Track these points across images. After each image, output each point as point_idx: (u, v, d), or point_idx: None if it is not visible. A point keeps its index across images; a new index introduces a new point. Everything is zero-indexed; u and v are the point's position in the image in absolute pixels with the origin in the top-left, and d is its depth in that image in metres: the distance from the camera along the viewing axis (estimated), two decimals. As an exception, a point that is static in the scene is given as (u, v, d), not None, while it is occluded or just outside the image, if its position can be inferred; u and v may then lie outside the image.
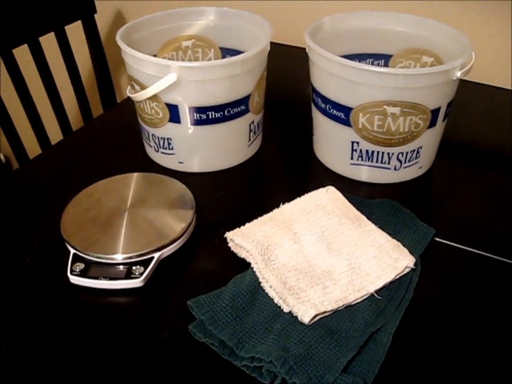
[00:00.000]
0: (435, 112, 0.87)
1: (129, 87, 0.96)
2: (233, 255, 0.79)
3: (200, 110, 0.89)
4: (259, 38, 0.96)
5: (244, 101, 0.92)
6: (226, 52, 1.08)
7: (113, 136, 1.10)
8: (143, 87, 0.89)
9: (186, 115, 0.90)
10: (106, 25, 1.72)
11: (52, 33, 1.35)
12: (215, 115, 0.90)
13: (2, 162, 1.66)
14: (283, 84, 1.27)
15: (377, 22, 1.03)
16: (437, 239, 0.83)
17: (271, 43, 0.95)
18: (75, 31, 1.41)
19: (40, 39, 1.32)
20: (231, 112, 0.91)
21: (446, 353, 0.67)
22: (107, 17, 1.71)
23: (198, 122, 0.91)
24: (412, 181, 0.95)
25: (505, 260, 0.79)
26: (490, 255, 0.80)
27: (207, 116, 0.90)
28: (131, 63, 0.90)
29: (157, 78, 0.86)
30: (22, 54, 1.30)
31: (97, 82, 1.50)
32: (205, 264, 0.80)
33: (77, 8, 1.40)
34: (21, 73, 1.28)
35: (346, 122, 0.88)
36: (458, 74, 0.85)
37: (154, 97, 0.89)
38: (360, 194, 0.90)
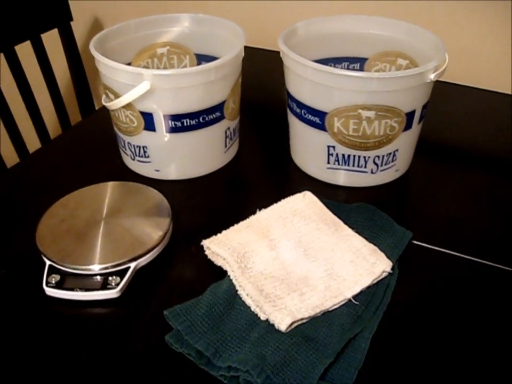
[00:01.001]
0: (410, 115, 0.87)
1: (104, 95, 0.95)
2: (210, 262, 0.79)
3: (175, 117, 0.89)
4: (233, 43, 0.96)
5: (219, 107, 0.91)
6: (202, 58, 1.07)
7: (90, 144, 1.09)
8: (117, 96, 0.88)
9: (161, 123, 0.89)
10: (83, 33, 1.71)
11: (28, 41, 1.34)
12: (190, 122, 0.90)
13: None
14: (259, 89, 1.26)
15: (351, 25, 1.03)
16: (415, 241, 0.83)
17: (246, 47, 0.95)
18: (51, 39, 1.40)
19: (16, 47, 1.31)
20: (207, 119, 0.91)
21: (424, 357, 0.67)
22: (84, 25, 1.70)
23: (173, 130, 0.90)
24: (389, 184, 0.95)
25: (483, 261, 0.80)
26: (468, 257, 0.80)
27: (182, 123, 0.90)
28: (104, 72, 0.89)
29: (131, 86, 0.85)
30: (-2, 63, 1.30)
31: (75, 90, 1.49)
32: (182, 273, 0.80)
33: (53, 16, 1.39)
34: (-3, 82, 1.28)
35: (321, 126, 0.88)
36: (432, 76, 0.85)
37: (128, 106, 0.88)
38: (338, 198, 0.90)
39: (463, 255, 0.81)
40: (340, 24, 1.03)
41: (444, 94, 1.18)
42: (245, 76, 0.99)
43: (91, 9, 1.69)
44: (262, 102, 1.23)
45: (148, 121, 0.89)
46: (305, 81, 0.87)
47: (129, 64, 1.03)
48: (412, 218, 0.89)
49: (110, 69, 0.88)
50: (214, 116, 0.92)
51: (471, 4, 1.23)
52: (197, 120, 0.90)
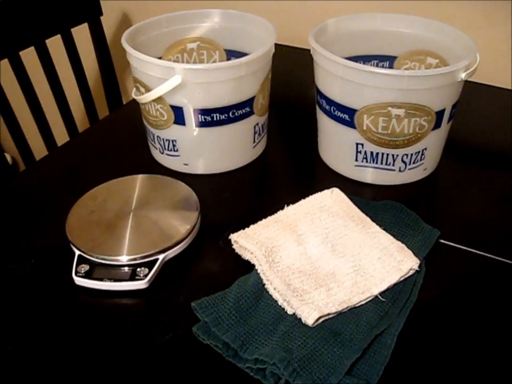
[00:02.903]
0: (440, 114, 0.87)
1: (134, 89, 0.96)
2: (238, 256, 0.79)
3: (204, 112, 0.89)
4: (264, 40, 0.96)
5: (249, 103, 0.92)
6: (231, 54, 1.08)
7: (119, 138, 1.10)
8: (148, 89, 0.89)
9: (191, 117, 0.90)
10: (113, 28, 1.72)
11: (59, 35, 1.35)
12: (219, 117, 0.90)
13: (9, 164, 1.66)
14: (288, 86, 1.27)
15: (381, 23, 1.03)
16: (442, 241, 0.82)
17: (276, 45, 0.95)
18: (81, 34, 1.42)
19: (47, 41, 1.33)
20: (236, 114, 0.91)
21: (450, 356, 0.67)
22: (113, 20, 1.72)
23: (202, 124, 0.91)
24: (417, 183, 0.95)
25: (510, 262, 0.79)
26: (496, 257, 0.80)
27: (211, 117, 0.90)
28: (136, 65, 0.90)
29: (162, 80, 0.86)
30: (29, 56, 1.31)
31: (103, 84, 1.50)
32: (209, 266, 0.80)
33: (83, 11, 1.40)
34: (28, 76, 1.29)
35: (350, 124, 0.88)
36: (463, 75, 0.85)
37: (159, 99, 0.89)
38: (365, 196, 0.90)
39: (490, 255, 0.80)
40: (370, 22, 1.03)
41: (474, 94, 1.17)
42: (274, 73, 0.99)
43: (121, 5, 1.70)
44: (290, 99, 1.23)
45: (178, 115, 0.90)
46: (335, 78, 0.87)
47: (159, 58, 1.04)
48: (439, 217, 0.89)
49: (141, 63, 0.88)
50: (244, 111, 0.92)
51: (503, 4, 1.22)
52: (226, 115, 0.91)
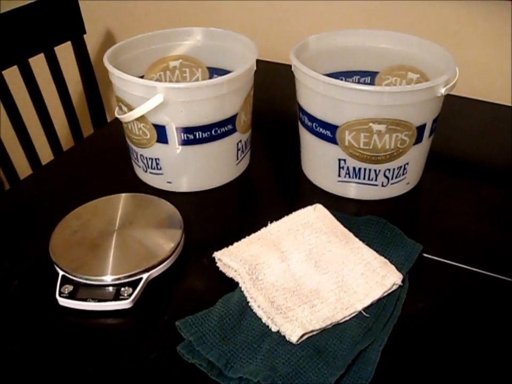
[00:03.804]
0: (421, 129, 0.88)
1: (117, 108, 0.96)
2: (222, 274, 0.79)
3: (187, 130, 0.90)
4: (245, 57, 0.97)
5: (231, 120, 0.92)
6: (214, 72, 1.08)
7: (103, 156, 1.11)
8: (130, 108, 0.89)
9: (173, 135, 0.90)
10: (96, 45, 1.73)
11: (42, 54, 1.36)
12: (202, 135, 0.91)
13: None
14: (270, 101, 1.27)
15: (362, 39, 1.04)
16: (425, 254, 0.83)
17: (258, 60, 0.95)
18: (65, 52, 1.42)
19: (30, 60, 1.33)
20: (219, 132, 0.92)
21: (434, 370, 0.67)
22: (96, 37, 1.72)
23: (185, 142, 0.91)
24: (400, 197, 0.96)
25: (494, 275, 0.80)
26: (479, 270, 0.81)
27: (194, 136, 0.90)
28: (118, 85, 0.90)
29: (144, 99, 0.86)
30: (12, 75, 1.31)
31: (87, 102, 1.50)
32: (194, 284, 0.80)
33: (67, 29, 1.40)
34: (11, 94, 1.29)
35: (332, 140, 0.89)
36: (442, 90, 0.86)
37: (141, 118, 0.89)
38: (348, 211, 0.91)
39: (473, 268, 0.81)
40: (350, 38, 1.04)
41: (454, 107, 1.18)
42: (256, 89, 1.00)
43: (104, 22, 1.70)
44: (273, 115, 1.23)
45: (161, 134, 0.90)
46: (317, 94, 0.88)
47: (142, 77, 1.04)
48: (423, 231, 0.90)
49: (123, 82, 0.89)
50: (226, 128, 0.92)
51: (480, 18, 1.24)
52: (209, 133, 0.91)
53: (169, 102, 0.86)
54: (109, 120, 1.56)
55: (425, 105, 0.87)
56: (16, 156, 1.38)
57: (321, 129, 0.90)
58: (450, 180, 1.01)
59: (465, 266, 0.81)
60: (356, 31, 1.04)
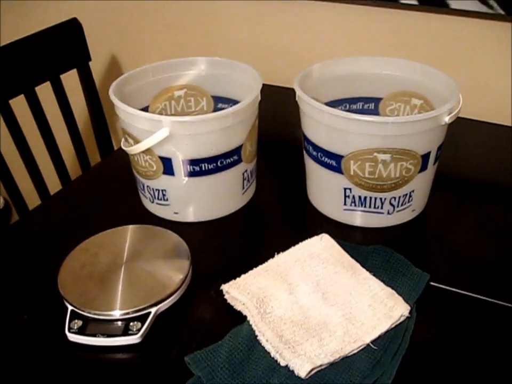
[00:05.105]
0: (425, 157, 0.88)
1: (123, 139, 0.97)
2: (230, 306, 0.80)
3: (193, 162, 0.90)
4: (250, 86, 0.97)
5: (237, 151, 0.93)
6: (219, 100, 1.09)
7: (110, 186, 1.11)
8: (136, 141, 0.90)
9: (180, 167, 0.91)
10: (101, 72, 1.74)
11: (48, 82, 1.37)
12: (208, 166, 0.91)
13: (0, 208, 1.66)
14: (275, 128, 1.28)
15: (365, 66, 1.05)
16: (433, 283, 0.83)
17: (263, 85, 0.96)
18: (70, 79, 1.43)
19: (36, 88, 1.34)
20: (224, 163, 0.92)
21: (443, 403, 0.67)
22: (102, 64, 1.73)
23: (191, 174, 0.92)
24: (406, 224, 0.96)
25: (504, 304, 0.80)
26: (488, 299, 0.80)
27: (200, 167, 0.91)
28: (124, 118, 0.91)
29: (150, 132, 0.87)
30: (19, 104, 1.32)
31: (94, 129, 1.51)
32: (202, 316, 0.80)
33: (72, 57, 1.42)
34: (18, 124, 1.30)
35: (338, 169, 0.89)
36: (446, 119, 0.86)
37: (147, 151, 0.90)
38: (354, 239, 0.91)
39: (482, 297, 0.81)
40: (354, 65, 1.05)
41: (457, 130, 1.18)
42: (261, 115, 1.00)
43: (109, 50, 1.72)
44: (278, 142, 1.24)
45: (167, 166, 0.91)
46: (321, 125, 0.89)
47: (147, 106, 1.05)
48: (430, 258, 0.90)
49: (129, 115, 0.90)
50: (232, 159, 0.93)
51: (480, 39, 1.25)
52: (215, 164, 0.92)
53: (175, 135, 0.87)
54: (115, 147, 1.57)
55: (430, 134, 0.87)
56: (24, 185, 1.38)
57: (326, 159, 0.90)
58: (455, 205, 1.01)
59: (473, 295, 0.81)
60: (359, 58, 1.05)
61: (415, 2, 1.24)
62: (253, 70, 1.00)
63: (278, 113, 1.33)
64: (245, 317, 0.77)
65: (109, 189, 1.10)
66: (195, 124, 0.88)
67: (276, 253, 0.86)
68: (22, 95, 1.32)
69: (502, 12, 1.17)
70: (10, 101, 1.28)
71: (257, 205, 1.03)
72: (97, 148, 1.53)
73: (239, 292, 0.79)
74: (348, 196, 0.92)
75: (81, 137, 1.48)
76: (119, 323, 0.76)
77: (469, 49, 1.27)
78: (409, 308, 0.76)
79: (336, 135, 0.88)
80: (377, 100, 1.07)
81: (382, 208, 0.92)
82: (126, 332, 0.75)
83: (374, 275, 0.82)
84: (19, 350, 0.76)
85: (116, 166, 1.19)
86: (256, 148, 1.01)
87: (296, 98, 0.93)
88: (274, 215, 1.02)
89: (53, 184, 1.37)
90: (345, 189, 0.91)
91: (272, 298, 0.78)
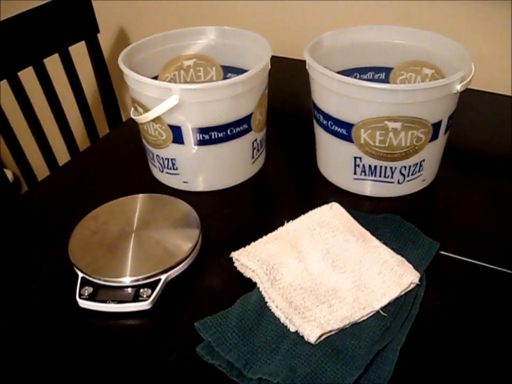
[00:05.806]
0: (436, 126, 0.88)
1: (132, 109, 0.97)
2: (240, 274, 0.80)
3: (203, 130, 0.90)
4: (259, 55, 0.97)
5: (246, 120, 0.93)
6: (228, 70, 1.09)
7: (119, 156, 1.11)
8: (146, 110, 0.90)
9: (189, 136, 0.91)
10: (110, 44, 1.73)
11: (56, 54, 1.36)
12: (218, 135, 0.91)
13: (10, 181, 1.67)
14: (285, 98, 1.27)
15: (376, 35, 1.04)
16: (442, 252, 0.83)
17: (272, 56, 0.95)
18: (79, 51, 1.43)
19: (45, 60, 1.34)
20: (234, 131, 0.92)
21: (453, 368, 0.67)
22: (110, 36, 1.73)
23: (201, 143, 0.92)
24: (416, 194, 0.95)
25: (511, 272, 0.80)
26: (497, 267, 0.80)
27: (210, 136, 0.91)
28: (133, 86, 0.91)
29: (159, 100, 0.87)
30: (27, 76, 1.32)
31: (102, 101, 1.51)
32: (212, 284, 0.81)
33: (80, 29, 1.41)
34: (27, 95, 1.30)
35: (348, 138, 0.89)
36: (458, 87, 0.85)
37: (157, 119, 0.90)
38: (364, 209, 0.91)
39: (490, 265, 0.81)
40: (365, 34, 1.04)
41: (469, 102, 1.18)
42: (271, 86, 0.99)
43: (117, 21, 1.71)
44: (288, 112, 1.23)
45: (176, 134, 0.91)
46: (332, 93, 0.88)
47: (156, 76, 1.05)
48: (439, 228, 0.89)
49: (138, 83, 0.89)
50: (241, 128, 0.93)
51: (494, 14, 1.23)
52: (224, 133, 0.91)
53: (184, 103, 0.87)
54: (124, 118, 1.57)
55: (441, 102, 0.87)
56: (34, 157, 1.39)
57: (336, 128, 0.90)
58: (466, 176, 1.01)
59: (482, 264, 0.81)
60: (370, 27, 1.04)
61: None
62: (262, 39, 1.00)
63: (288, 84, 1.32)
64: (255, 284, 0.77)
65: (118, 159, 1.10)
66: (204, 92, 0.87)
67: (285, 221, 0.86)
68: (31, 67, 1.31)
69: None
70: (19, 73, 1.28)
71: (267, 175, 1.03)
72: (106, 120, 1.53)
73: (248, 259, 0.79)
74: (358, 165, 0.91)
75: (89, 109, 1.48)
76: (129, 289, 0.77)
77: (481, 19, 1.25)
78: (419, 275, 0.76)
79: (346, 103, 0.87)
80: (388, 70, 1.06)
81: (392, 177, 0.92)
82: (136, 298, 0.76)
83: (384, 243, 0.82)
84: (31, 317, 0.77)
85: (124, 137, 1.19)
86: (265, 117, 1.00)
87: (307, 67, 0.92)
88: (284, 185, 1.02)
89: (63, 156, 1.37)
90: (355, 158, 0.91)
91: (282, 266, 0.78)
